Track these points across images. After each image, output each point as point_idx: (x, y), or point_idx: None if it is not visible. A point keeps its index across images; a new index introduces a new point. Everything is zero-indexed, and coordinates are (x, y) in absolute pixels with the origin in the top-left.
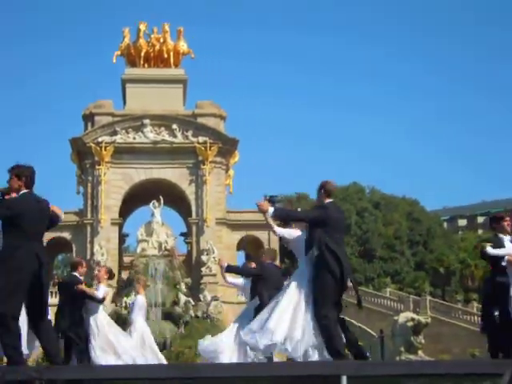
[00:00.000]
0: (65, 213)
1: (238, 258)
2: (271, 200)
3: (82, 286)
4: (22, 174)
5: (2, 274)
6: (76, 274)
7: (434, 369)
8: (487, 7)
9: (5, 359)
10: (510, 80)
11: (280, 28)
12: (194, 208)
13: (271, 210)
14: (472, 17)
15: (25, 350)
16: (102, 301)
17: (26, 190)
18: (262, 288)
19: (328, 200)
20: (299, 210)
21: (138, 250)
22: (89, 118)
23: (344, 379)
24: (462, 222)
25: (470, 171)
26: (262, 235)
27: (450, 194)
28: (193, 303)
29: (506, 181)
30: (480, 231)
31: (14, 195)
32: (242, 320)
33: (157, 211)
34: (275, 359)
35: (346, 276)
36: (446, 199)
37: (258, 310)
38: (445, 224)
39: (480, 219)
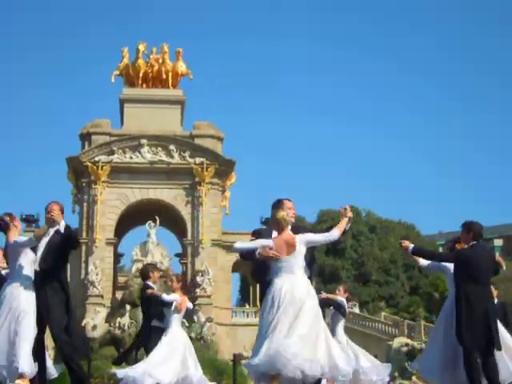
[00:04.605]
0: None
1: (233, 280)
2: (267, 222)
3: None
4: None
5: None
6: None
7: None
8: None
9: None
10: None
11: (275, 53)
12: (189, 229)
13: (411, 246)
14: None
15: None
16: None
17: None
18: None
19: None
20: None
21: (133, 269)
22: (86, 137)
23: None
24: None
25: (466, 196)
26: None
27: (445, 218)
28: (187, 325)
29: (502, 206)
30: None
31: None
32: None
33: (152, 231)
34: None
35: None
36: (441, 224)
37: None
38: (440, 249)
39: None
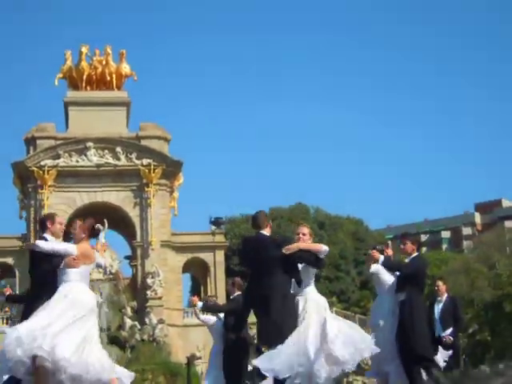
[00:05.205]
0: (8, 238)
1: (184, 281)
2: (217, 222)
3: None
4: None
5: None
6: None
7: None
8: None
9: None
10: (462, 92)
11: (220, 52)
12: (138, 231)
13: (381, 258)
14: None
15: None
16: None
17: None
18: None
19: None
20: None
21: None
22: (31, 141)
23: None
24: None
25: (413, 190)
26: (207, 257)
27: (393, 212)
28: (138, 327)
29: (449, 199)
30: (423, 249)
31: None
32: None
33: (101, 234)
34: None
35: None
36: (389, 218)
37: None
38: (389, 243)
39: (423, 237)
